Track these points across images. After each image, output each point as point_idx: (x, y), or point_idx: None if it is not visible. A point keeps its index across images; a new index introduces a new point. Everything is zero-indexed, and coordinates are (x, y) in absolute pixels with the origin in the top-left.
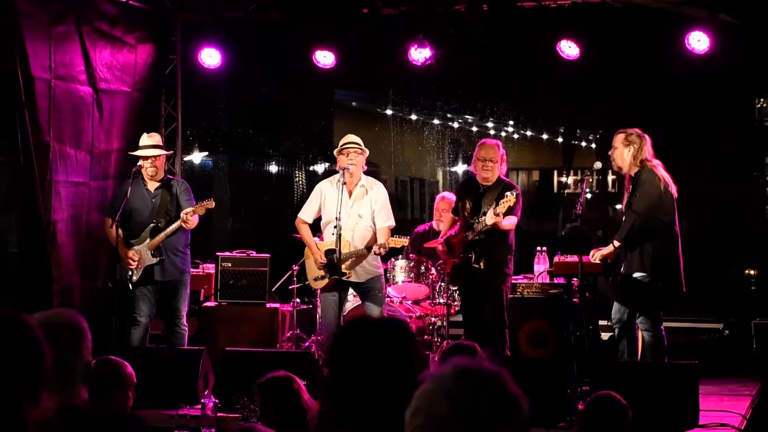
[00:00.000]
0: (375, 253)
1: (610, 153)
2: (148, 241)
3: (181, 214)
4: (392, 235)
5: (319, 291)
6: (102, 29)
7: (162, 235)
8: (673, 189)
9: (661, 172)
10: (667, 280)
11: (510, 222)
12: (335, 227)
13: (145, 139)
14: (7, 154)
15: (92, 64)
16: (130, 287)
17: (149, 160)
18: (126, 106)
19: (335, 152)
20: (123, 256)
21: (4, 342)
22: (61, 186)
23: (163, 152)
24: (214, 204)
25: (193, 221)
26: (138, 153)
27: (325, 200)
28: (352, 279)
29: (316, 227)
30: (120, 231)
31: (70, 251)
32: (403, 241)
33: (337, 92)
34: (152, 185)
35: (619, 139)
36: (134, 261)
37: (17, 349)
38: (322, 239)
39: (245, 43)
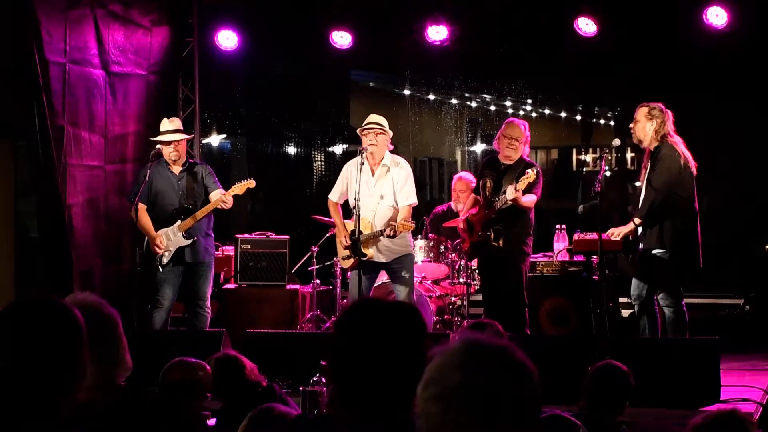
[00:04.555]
0: (386, 236)
1: (631, 126)
2: (179, 222)
3: (221, 195)
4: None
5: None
6: (116, 12)
7: (194, 216)
8: (693, 166)
9: (682, 149)
10: (686, 256)
11: (530, 199)
12: (354, 207)
13: (167, 124)
14: (26, 139)
15: (105, 47)
16: (160, 269)
17: (171, 145)
18: (141, 88)
19: (358, 131)
20: (151, 240)
21: (47, 328)
22: (75, 170)
23: (184, 136)
24: (255, 183)
25: (231, 201)
26: (160, 138)
27: (349, 181)
28: (377, 259)
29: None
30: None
31: (89, 235)
32: (410, 225)
33: (354, 73)
34: (176, 168)
35: (642, 112)
36: (161, 246)
37: (59, 336)
38: None
39: (262, 25)
